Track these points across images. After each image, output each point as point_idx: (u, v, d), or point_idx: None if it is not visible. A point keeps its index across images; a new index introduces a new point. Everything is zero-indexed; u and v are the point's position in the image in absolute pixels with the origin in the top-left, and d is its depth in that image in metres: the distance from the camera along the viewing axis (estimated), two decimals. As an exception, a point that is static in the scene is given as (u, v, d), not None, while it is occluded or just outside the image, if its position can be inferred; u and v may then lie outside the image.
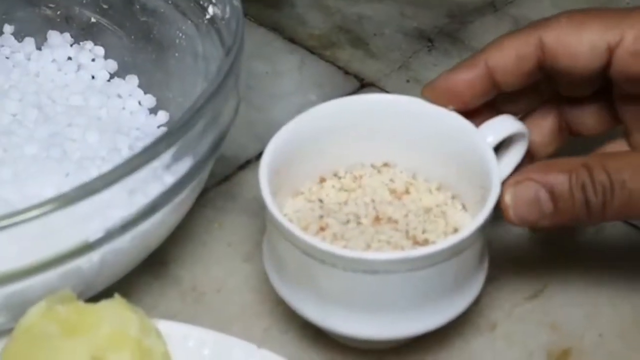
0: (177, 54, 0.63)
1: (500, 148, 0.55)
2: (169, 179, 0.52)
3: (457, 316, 0.52)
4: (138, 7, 0.65)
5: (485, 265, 0.54)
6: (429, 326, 0.52)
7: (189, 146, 0.53)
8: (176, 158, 0.52)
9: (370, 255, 0.49)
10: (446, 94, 0.54)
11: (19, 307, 0.47)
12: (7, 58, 0.66)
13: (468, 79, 0.54)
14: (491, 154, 0.53)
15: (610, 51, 0.52)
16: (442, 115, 0.55)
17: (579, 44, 0.52)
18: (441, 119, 0.55)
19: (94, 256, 0.50)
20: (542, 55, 0.53)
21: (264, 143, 0.55)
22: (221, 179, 0.64)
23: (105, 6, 0.66)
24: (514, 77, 0.54)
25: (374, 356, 0.54)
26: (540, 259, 0.59)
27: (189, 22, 0.62)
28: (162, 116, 0.63)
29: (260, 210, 0.60)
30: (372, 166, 0.57)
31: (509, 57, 0.53)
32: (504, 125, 0.55)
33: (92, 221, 0.50)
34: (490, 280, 0.55)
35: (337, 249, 0.49)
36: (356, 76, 0.72)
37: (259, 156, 0.63)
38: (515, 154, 0.56)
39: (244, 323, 0.56)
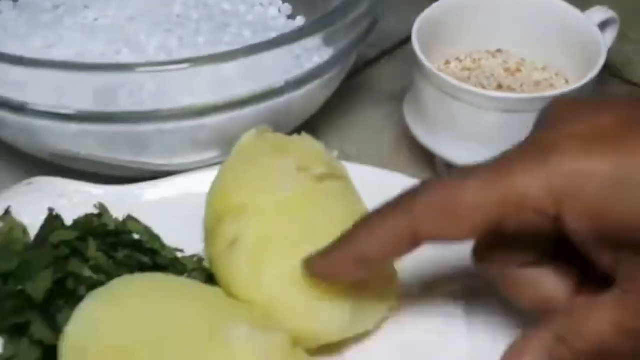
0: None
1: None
2: (325, 55, 0.64)
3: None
4: None
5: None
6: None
7: (342, 30, 0.64)
8: (329, 40, 0.64)
9: (505, 94, 0.62)
10: None
11: (227, 142, 0.59)
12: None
13: None
14: (597, 30, 0.65)
15: None
16: (551, 3, 0.67)
17: None
18: (550, 6, 0.67)
19: (281, 99, 0.61)
20: None
21: (383, 45, 0.70)
22: (356, 69, 0.75)
23: None
24: None
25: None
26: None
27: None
28: (300, 20, 0.75)
29: (388, 99, 0.73)
30: (487, 52, 0.69)
31: None
32: (602, 11, 0.67)
33: (275, 74, 0.61)
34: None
35: (478, 89, 0.61)
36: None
37: (379, 55, 0.76)
38: (610, 35, 0.68)
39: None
